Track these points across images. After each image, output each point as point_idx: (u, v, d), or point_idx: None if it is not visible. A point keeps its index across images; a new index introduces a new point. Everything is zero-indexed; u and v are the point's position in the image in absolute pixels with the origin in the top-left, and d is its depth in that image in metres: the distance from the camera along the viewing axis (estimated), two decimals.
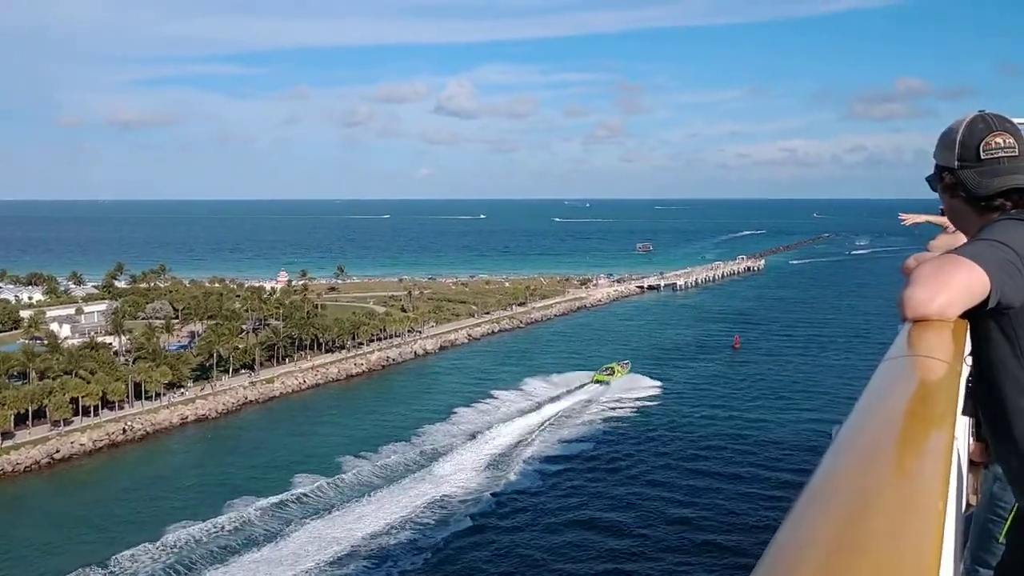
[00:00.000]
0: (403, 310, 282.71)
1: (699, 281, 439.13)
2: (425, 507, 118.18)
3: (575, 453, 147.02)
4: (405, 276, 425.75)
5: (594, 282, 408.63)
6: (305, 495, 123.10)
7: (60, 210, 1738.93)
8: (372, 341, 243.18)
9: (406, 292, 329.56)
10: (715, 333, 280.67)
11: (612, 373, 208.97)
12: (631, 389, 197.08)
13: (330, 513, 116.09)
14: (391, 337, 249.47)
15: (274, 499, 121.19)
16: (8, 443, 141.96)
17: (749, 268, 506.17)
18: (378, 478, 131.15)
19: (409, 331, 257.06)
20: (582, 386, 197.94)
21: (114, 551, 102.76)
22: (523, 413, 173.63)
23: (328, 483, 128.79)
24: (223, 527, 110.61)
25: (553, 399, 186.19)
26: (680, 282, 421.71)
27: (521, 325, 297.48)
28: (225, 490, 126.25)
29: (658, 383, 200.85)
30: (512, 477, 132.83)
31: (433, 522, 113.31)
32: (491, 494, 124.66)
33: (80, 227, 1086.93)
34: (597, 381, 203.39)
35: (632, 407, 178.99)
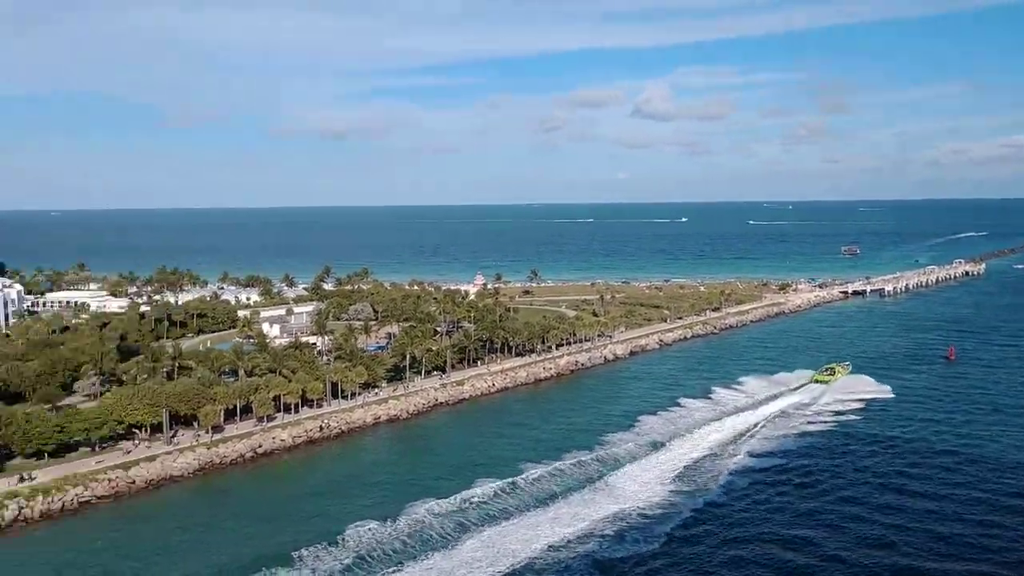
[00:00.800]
0: (594, 314, 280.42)
1: (909, 287, 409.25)
2: (604, 521, 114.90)
3: (766, 466, 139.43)
4: (598, 280, 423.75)
5: (794, 287, 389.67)
6: (483, 501, 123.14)
7: (273, 216, 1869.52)
8: (562, 345, 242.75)
9: (598, 296, 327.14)
10: (927, 343, 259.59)
11: (832, 374, 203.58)
12: (851, 391, 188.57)
13: (507, 520, 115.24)
14: (581, 341, 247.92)
15: (453, 502, 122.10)
16: (218, 436, 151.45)
17: (968, 273, 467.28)
18: (557, 487, 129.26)
19: (599, 336, 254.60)
20: (776, 396, 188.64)
21: (299, 545, 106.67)
22: (711, 422, 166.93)
23: (507, 489, 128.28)
24: (401, 529, 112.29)
25: (744, 408, 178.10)
26: (888, 288, 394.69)
27: (715, 331, 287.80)
28: (408, 490, 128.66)
29: (886, 386, 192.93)
30: (697, 491, 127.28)
31: (611, 537, 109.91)
32: (674, 510, 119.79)
33: (292, 233, 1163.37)
34: (817, 381, 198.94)
35: (829, 420, 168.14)
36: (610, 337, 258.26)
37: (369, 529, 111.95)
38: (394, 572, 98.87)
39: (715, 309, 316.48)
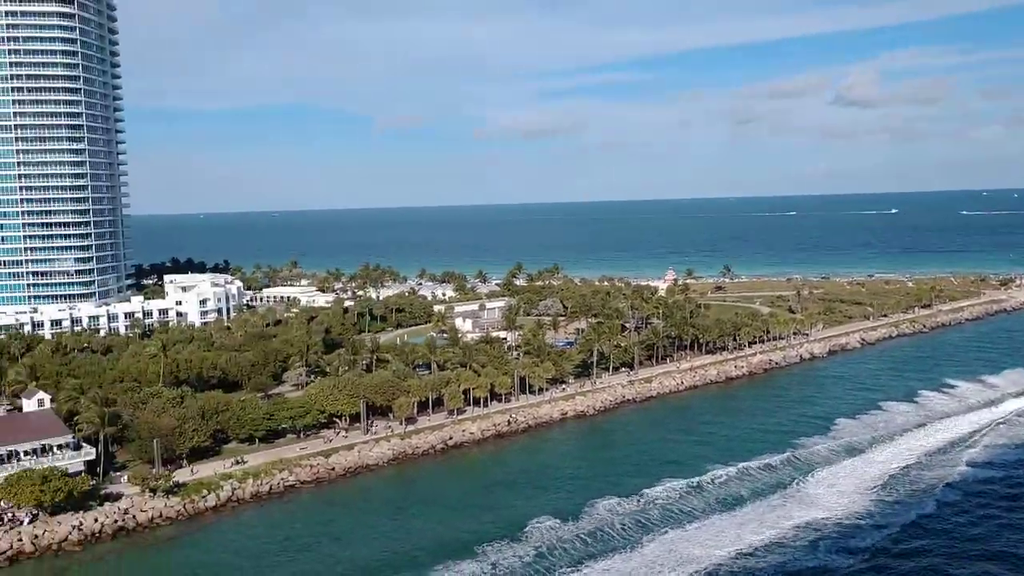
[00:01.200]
0: (790, 311, 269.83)
1: None
2: (796, 529, 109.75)
3: (990, 478, 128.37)
4: (795, 275, 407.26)
5: (1017, 283, 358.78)
6: (667, 501, 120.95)
7: (471, 214, 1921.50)
8: (754, 343, 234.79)
9: (795, 292, 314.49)
10: None
11: None
12: None
13: (690, 523, 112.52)
14: (775, 339, 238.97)
15: (635, 502, 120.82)
16: (411, 428, 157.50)
17: None
18: (745, 490, 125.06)
19: (795, 333, 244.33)
20: (996, 401, 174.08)
21: (483, 538, 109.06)
22: (916, 428, 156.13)
23: (691, 490, 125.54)
24: (583, 527, 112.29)
25: (955, 413, 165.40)
26: None
27: (924, 329, 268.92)
28: (591, 487, 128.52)
29: None
30: (906, 503, 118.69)
31: (804, 547, 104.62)
32: (879, 522, 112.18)
33: (487, 230, 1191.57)
34: None
35: None
36: (807, 335, 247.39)
37: (550, 526, 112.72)
38: (573, 572, 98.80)
39: (925, 306, 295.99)
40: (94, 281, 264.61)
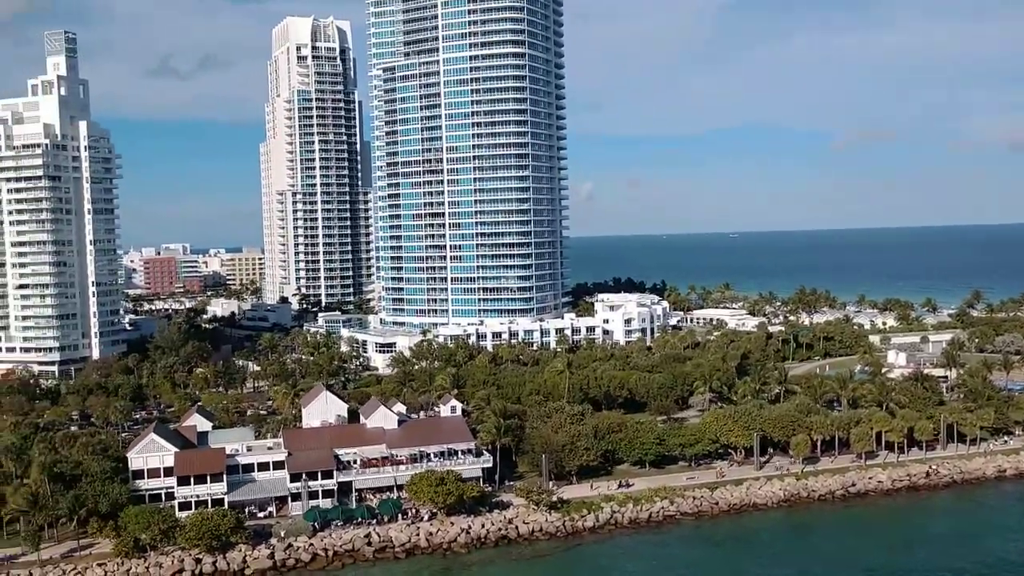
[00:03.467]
0: None
1: None
2: None
3: None
4: None
5: None
6: None
7: (931, 235, 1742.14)
8: None
9: None
10: None
11: None
12: None
13: None
14: None
15: None
16: (809, 468, 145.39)
17: None
18: None
19: None
20: None
21: None
22: None
23: None
24: None
25: None
26: None
27: None
28: None
29: None
30: None
31: None
32: None
33: (943, 251, 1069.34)
34: None
35: None
36: None
37: None
38: None
39: None
40: (533, 298, 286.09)
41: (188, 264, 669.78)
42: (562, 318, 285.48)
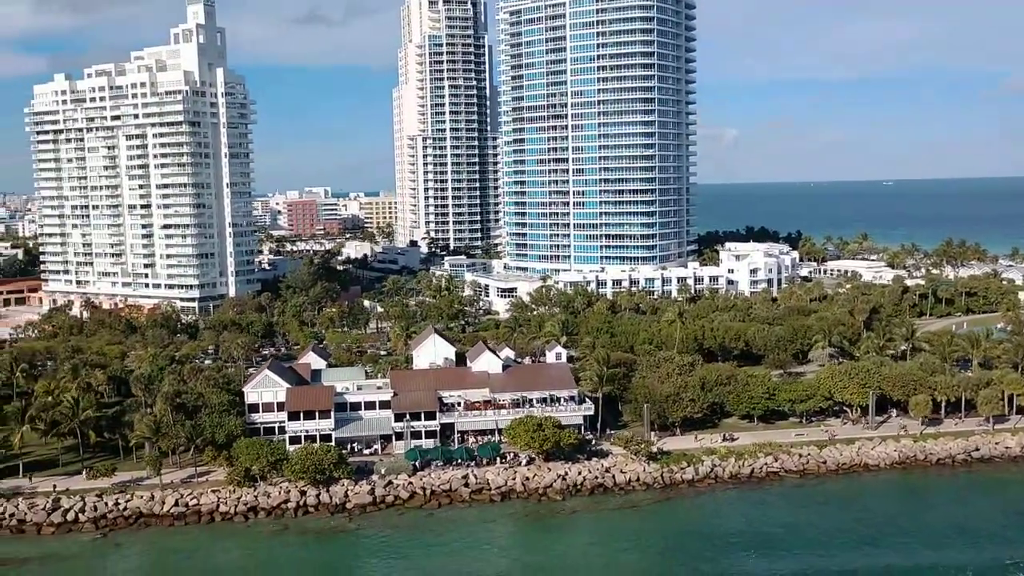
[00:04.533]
0: None
1: None
2: None
3: None
4: None
5: None
6: None
7: None
8: None
9: None
10: None
11: None
12: None
13: None
14: None
15: None
16: (930, 430, 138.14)
17: None
18: None
19: None
20: None
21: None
22: None
23: None
24: None
25: None
26: None
27: None
28: None
29: None
30: None
31: None
32: None
33: None
34: None
35: None
36: None
37: None
38: None
39: None
40: (656, 245, 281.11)
41: (328, 207, 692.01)
42: (685, 267, 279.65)
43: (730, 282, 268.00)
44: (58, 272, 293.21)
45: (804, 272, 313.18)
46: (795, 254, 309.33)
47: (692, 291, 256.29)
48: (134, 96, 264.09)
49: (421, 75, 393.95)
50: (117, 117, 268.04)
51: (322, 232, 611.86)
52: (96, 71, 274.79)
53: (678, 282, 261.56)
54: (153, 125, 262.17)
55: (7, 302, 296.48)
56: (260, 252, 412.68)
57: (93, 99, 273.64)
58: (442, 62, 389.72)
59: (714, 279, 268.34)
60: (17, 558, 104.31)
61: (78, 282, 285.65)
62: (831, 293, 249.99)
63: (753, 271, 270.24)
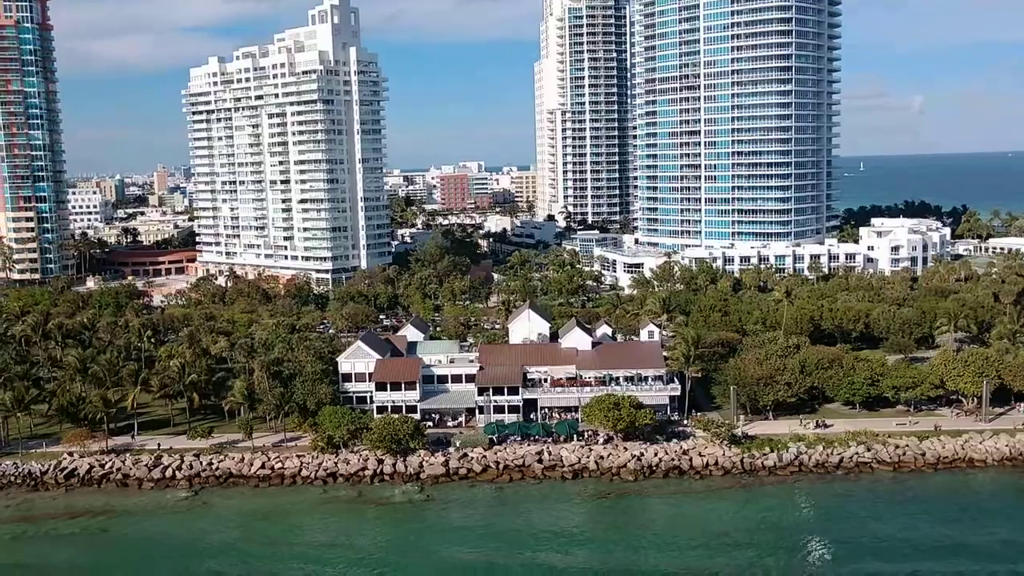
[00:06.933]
0: None
1: None
2: None
3: None
4: None
5: None
6: None
7: None
8: None
9: None
10: None
11: None
12: None
13: None
14: None
15: None
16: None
17: None
18: None
19: None
20: None
21: None
22: None
23: None
24: None
25: None
26: None
27: None
28: None
29: None
30: None
31: None
32: None
33: None
34: None
35: None
36: None
37: None
38: None
39: None
40: (790, 221, 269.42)
41: (479, 181, 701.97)
42: (822, 243, 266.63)
43: (869, 260, 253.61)
44: (210, 244, 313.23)
45: (960, 249, 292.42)
46: (946, 231, 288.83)
47: (827, 269, 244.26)
48: (275, 76, 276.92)
49: (561, 48, 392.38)
50: (260, 97, 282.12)
51: (472, 206, 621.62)
52: (243, 53, 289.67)
53: (811, 259, 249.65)
54: (291, 104, 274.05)
55: (168, 271, 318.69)
56: (414, 225, 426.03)
57: (240, 80, 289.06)
58: (582, 35, 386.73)
59: (851, 257, 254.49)
60: (117, 509, 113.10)
61: (227, 253, 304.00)
62: (980, 272, 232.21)
63: (895, 248, 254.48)
